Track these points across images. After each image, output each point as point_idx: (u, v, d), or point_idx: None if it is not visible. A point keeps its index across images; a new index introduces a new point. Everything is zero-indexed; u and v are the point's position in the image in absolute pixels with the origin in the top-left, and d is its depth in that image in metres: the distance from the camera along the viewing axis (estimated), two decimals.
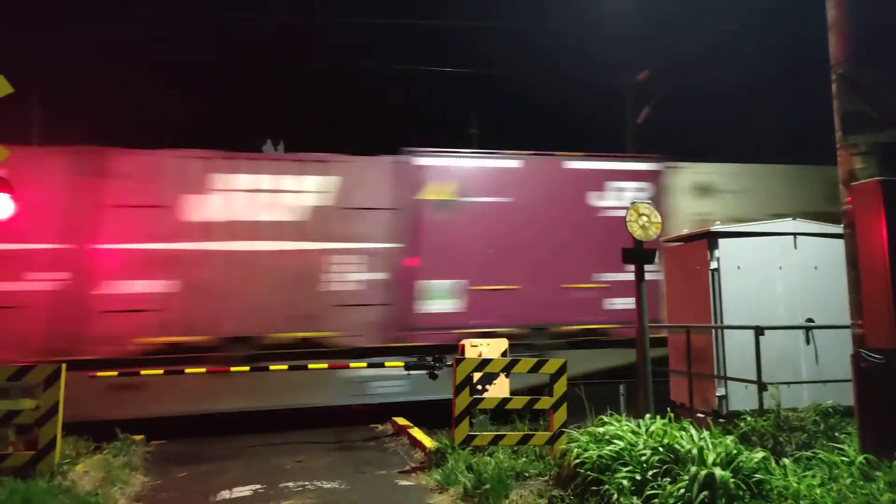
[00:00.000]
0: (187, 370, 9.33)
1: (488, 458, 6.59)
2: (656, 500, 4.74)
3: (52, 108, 16.05)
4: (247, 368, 9.51)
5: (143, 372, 9.17)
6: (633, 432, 5.66)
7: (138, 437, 8.71)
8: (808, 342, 8.01)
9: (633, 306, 7.55)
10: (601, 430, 5.86)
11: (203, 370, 9.40)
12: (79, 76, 16.74)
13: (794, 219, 8.35)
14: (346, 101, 21.54)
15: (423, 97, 20.15)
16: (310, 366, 9.77)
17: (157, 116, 17.57)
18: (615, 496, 4.95)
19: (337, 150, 11.15)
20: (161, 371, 9.21)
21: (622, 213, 7.40)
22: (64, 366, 6.64)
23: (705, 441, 5.20)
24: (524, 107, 20.62)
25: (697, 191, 11.99)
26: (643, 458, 5.17)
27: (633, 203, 7.33)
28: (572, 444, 5.87)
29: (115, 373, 9.03)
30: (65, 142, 10.28)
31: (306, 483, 6.86)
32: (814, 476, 4.96)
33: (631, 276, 7.70)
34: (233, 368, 9.51)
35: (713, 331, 8.03)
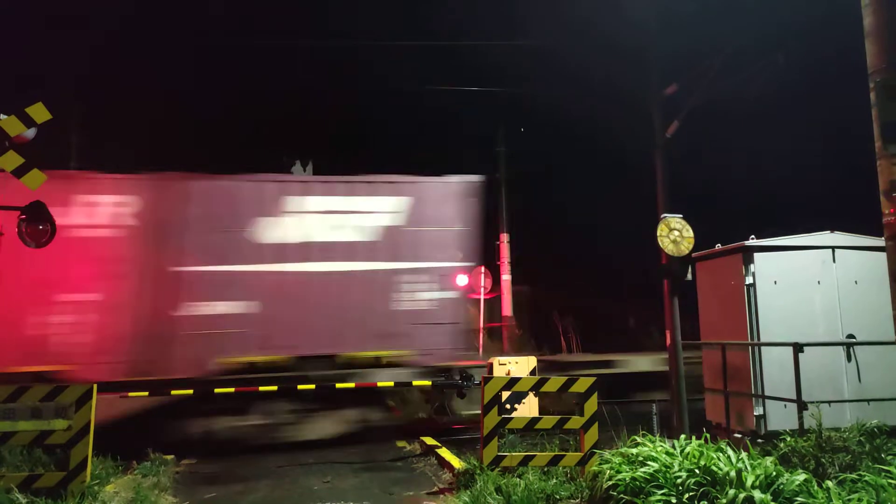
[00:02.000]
0: (217, 390, 9.40)
1: (518, 479, 6.44)
2: None
3: (89, 130, 16.47)
4: (275, 388, 9.53)
5: (173, 392, 9.25)
6: (668, 453, 5.49)
7: (168, 457, 8.74)
8: (849, 359, 7.73)
9: None
10: (634, 450, 5.70)
11: (231, 390, 9.44)
12: (108, 96, 17.19)
13: (832, 231, 8.11)
14: (370, 121, 21.78)
15: (449, 115, 20.25)
16: (337, 385, 9.75)
17: (185, 136, 17.96)
18: None
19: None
20: (191, 391, 9.27)
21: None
22: (95, 386, 6.70)
23: (743, 462, 5.02)
24: (550, 123, 20.60)
25: None
26: (679, 480, 5.00)
27: (663, 217, 7.20)
28: (604, 466, 5.71)
29: (146, 393, 9.12)
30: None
31: None
32: (859, 500, 4.74)
33: None
34: (261, 388, 9.54)
35: (750, 348, 7.80)
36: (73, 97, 15.87)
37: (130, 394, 9.11)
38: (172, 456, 9.01)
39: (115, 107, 17.26)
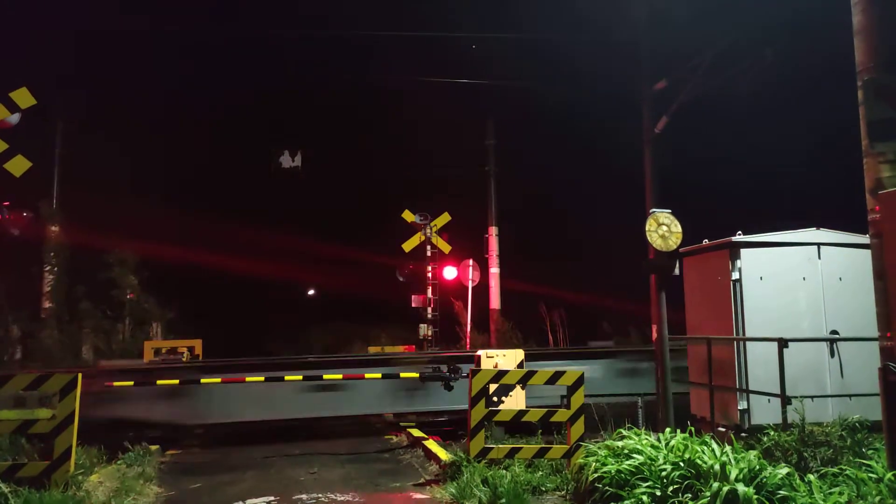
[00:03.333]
0: (203, 380, 9.37)
1: (504, 471, 6.48)
2: None
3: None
4: (262, 378, 9.50)
5: (158, 382, 9.21)
6: (653, 446, 5.54)
7: (153, 448, 8.70)
8: (832, 355, 7.82)
9: None
10: (620, 443, 5.75)
11: (218, 380, 9.40)
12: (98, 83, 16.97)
13: (818, 228, 8.18)
14: (362, 112, 21.68)
15: (439, 107, 20.18)
16: (325, 376, 9.74)
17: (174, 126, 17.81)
18: None
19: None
20: (177, 381, 9.24)
21: None
22: (80, 375, 6.65)
23: (727, 456, 5.07)
24: (540, 117, 20.59)
25: None
26: (663, 473, 5.05)
27: (652, 212, 7.23)
28: (590, 458, 5.75)
29: (131, 382, 9.07)
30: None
31: (320, 495, 6.79)
32: (840, 493, 4.80)
33: None
34: (248, 378, 9.51)
35: (735, 343, 7.86)
36: (57, 85, 15.64)
37: None
38: (157, 446, 8.96)
39: (98, 98, 17.05)
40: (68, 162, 16.07)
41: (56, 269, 15.25)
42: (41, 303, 15.12)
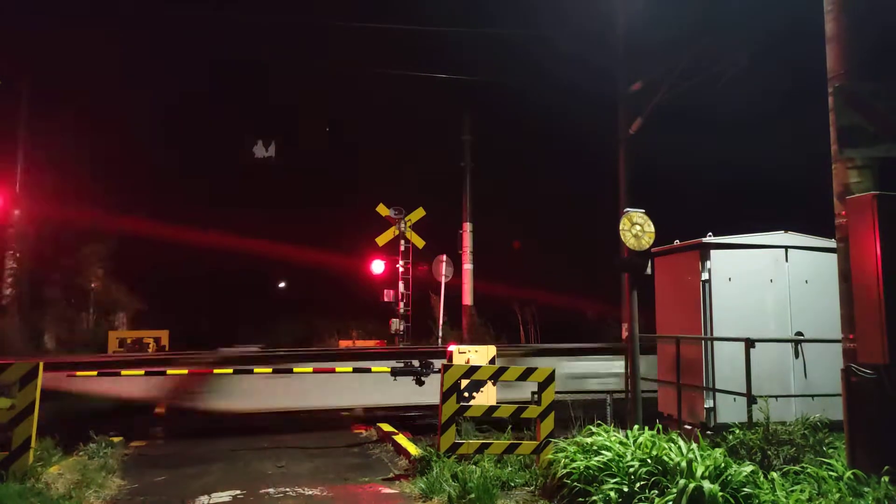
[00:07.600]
0: (169, 371, 9.22)
1: (474, 466, 6.48)
2: None
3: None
4: (230, 371, 9.38)
5: (123, 373, 9.03)
6: (621, 443, 5.59)
7: (116, 439, 8.52)
8: (797, 356, 7.98)
9: None
10: (589, 440, 5.79)
11: (185, 371, 9.26)
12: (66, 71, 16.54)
13: (786, 231, 8.33)
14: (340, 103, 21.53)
15: (415, 101, 20.12)
16: (295, 370, 9.66)
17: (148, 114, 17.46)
18: None
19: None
20: (142, 372, 9.08)
21: None
22: (41, 364, 6.48)
23: (694, 453, 5.14)
24: (517, 117, 20.66)
25: None
26: (631, 469, 5.10)
27: (626, 211, 7.28)
28: (559, 455, 5.78)
29: (94, 373, 8.87)
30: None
31: (287, 489, 6.72)
32: (802, 491, 4.91)
33: None
34: (216, 371, 9.39)
35: (703, 342, 7.98)
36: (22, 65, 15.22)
37: None
38: (121, 437, 8.80)
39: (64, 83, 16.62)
40: (33, 144, 15.65)
41: (18, 254, 14.86)
42: (1, 289, 14.73)
